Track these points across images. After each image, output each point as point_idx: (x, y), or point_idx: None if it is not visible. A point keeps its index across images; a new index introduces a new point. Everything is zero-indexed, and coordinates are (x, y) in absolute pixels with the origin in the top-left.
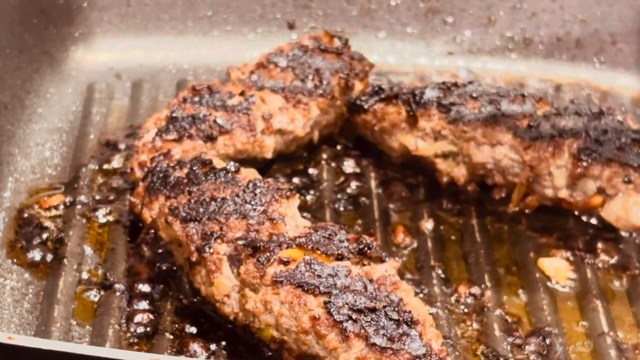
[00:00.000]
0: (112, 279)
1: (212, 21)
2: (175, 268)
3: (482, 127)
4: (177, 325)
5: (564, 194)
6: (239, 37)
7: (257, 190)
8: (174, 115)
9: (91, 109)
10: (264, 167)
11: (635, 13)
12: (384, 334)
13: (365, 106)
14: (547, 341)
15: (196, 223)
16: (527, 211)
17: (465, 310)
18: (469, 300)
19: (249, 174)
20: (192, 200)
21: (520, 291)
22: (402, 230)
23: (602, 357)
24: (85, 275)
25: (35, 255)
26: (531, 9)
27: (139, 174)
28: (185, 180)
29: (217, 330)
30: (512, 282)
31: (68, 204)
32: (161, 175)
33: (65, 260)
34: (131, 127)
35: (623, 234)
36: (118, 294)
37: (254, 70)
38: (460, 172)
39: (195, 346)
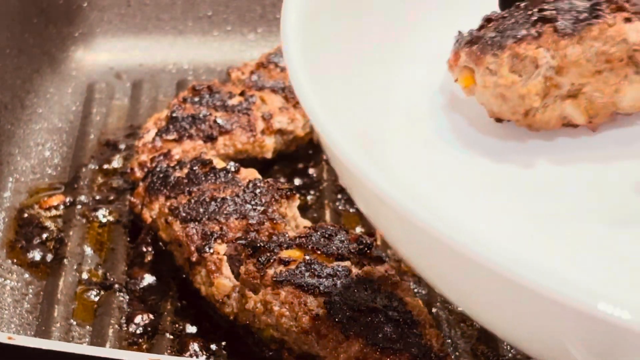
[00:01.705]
0: (112, 279)
1: (212, 21)
2: (175, 268)
3: None
4: (177, 325)
5: None
6: (239, 37)
7: (257, 190)
8: (174, 115)
9: (91, 109)
10: (264, 167)
11: None
12: (384, 334)
13: None
14: None
15: (196, 223)
16: None
17: None
18: None
19: (249, 174)
20: (192, 201)
21: None
22: None
23: None
24: (85, 275)
25: (35, 255)
26: None
27: (139, 174)
28: (185, 180)
29: (217, 330)
30: None
31: (68, 204)
32: (161, 175)
33: (65, 260)
34: (131, 127)
35: None
36: (118, 294)
37: (254, 70)
38: None
39: (195, 346)
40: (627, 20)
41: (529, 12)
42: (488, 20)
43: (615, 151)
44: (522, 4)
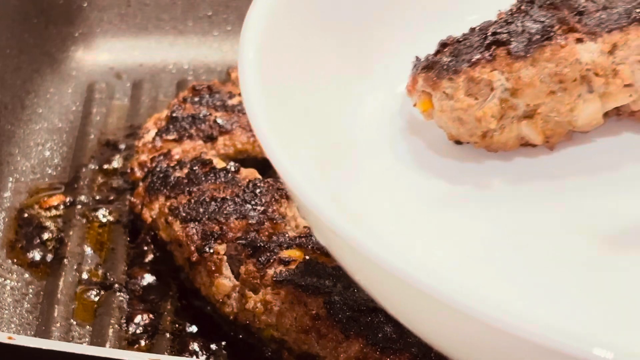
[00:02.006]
0: (112, 279)
1: (212, 21)
2: (175, 268)
3: None
4: (177, 325)
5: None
6: (239, 37)
7: (257, 190)
8: (174, 115)
9: (91, 109)
10: (264, 167)
11: None
12: (384, 334)
13: None
14: None
15: (196, 223)
16: None
17: None
18: None
19: (249, 174)
20: (192, 201)
21: None
22: None
23: None
24: (85, 275)
25: (35, 255)
26: None
27: (139, 174)
28: (185, 180)
29: (217, 330)
30: None
31: (68, 204)
32: (161, 175)
33: (65, 260)
34: (131, 127)
35: None
36: (118, 294)
37: None
38: None
39: (195, 346)
40: (579, 40)
41: (483, 36)
42: (443, 45)
43: (573, 168)
44: (477, 27)
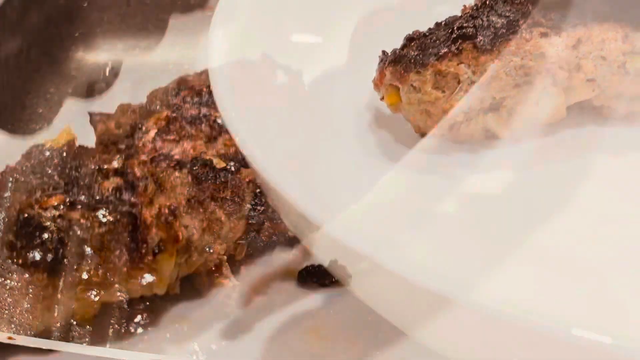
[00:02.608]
0: (112, 279)
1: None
2: (175, 268)
3: None
4: (177, 325)
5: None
6: None
7: (257, 190)
8: (174, 115)
9: (91, 109)
10: None
11: None
12: None
13: None
14: None
15: (196, 223)
16: None
17: None
18: None
19: (249, 174)
20: (192, 201)
21: None
22: None
23: None
24: (85, 275)
25: (35, 255)
26: None
27: (139, 174)
28: (186, 180)
29: (217, 331)
30: None
31: (68, 204)
32: (162, 175)
33: (65, 260)
34: (131, 127)
35: None
36: (118, 294)
37: None
38: None
39: (195, 346)
40: (544, 34)
41: (449, 30)
42: (410, 39)
43: (537, 159)
44: (442, 22)
